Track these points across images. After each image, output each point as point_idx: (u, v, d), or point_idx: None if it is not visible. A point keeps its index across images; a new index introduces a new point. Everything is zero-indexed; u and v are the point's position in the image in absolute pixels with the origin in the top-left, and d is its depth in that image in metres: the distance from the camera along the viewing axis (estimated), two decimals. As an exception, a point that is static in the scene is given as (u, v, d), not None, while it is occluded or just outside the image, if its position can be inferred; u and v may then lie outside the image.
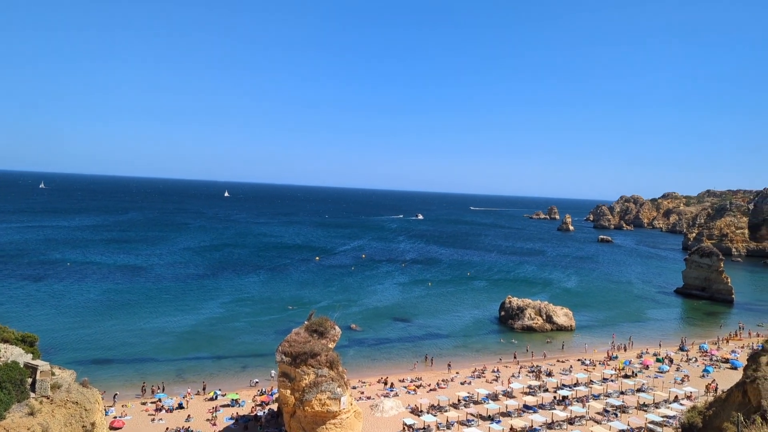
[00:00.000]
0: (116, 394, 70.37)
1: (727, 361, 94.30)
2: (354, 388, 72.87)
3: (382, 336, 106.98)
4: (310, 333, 57.79)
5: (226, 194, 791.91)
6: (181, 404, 68.52)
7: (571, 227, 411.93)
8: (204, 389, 74.58)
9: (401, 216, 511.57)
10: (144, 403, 69.17)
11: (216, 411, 66.70)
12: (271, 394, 71.68)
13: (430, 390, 77.58)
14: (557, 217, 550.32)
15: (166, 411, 66.82)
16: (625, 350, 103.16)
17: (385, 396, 73.61)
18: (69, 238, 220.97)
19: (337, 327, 60.59)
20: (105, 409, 53.67)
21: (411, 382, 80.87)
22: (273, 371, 75.31)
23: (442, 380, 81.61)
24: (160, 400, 69.07)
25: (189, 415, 65.31)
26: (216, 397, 71.71)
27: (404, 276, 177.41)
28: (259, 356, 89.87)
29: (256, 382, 78.67)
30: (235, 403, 69.55)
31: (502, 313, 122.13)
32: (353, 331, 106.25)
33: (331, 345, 58.06)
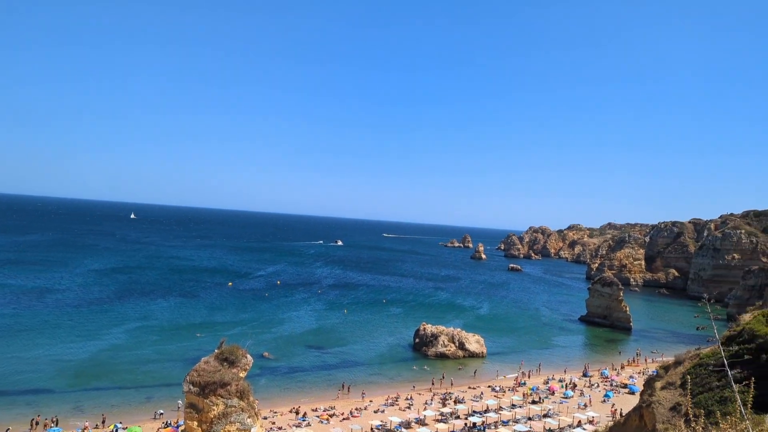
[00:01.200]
0: (8, 429, 64.95)
1: (625, 386, 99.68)
2: (265, 418, 71.06)
3: (295, 364, 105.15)
4: (220, 362, 55.98)
5: (133, 216, 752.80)
6: (77, 439, 64.27)
7: (483, 255, 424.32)
8: (103, 422, 70.16)
9: (321, 242, 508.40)
10: (35, 439, 64.33)
11: (115, 445, 63.00)
12: (177, 426, 68.57)
13: (344, 419, 76.89)
14: (470, 245, 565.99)
15: (60, 447, 62.45)
16: (529, 377, 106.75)
17: (296, 426, 72.25)
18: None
19: (248, 355, 59.00)
20: (-11, 447, 49.54)
21: (324, 411, 79.83)
22: (180, 402, 72.13)
23: (356, 408, 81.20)
24: (53, 435, 64.45)
25: (85, 451, 61.32)
26: (116, 431, 67.75)
27: (320, 302, 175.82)
28: (165, 386, 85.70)
29: (161, 414, 74.91)
30: (137, 436, 65.99)
31: (417, 340, 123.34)
32: (266, 359, 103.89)
33: (242, 374, 56.48)
